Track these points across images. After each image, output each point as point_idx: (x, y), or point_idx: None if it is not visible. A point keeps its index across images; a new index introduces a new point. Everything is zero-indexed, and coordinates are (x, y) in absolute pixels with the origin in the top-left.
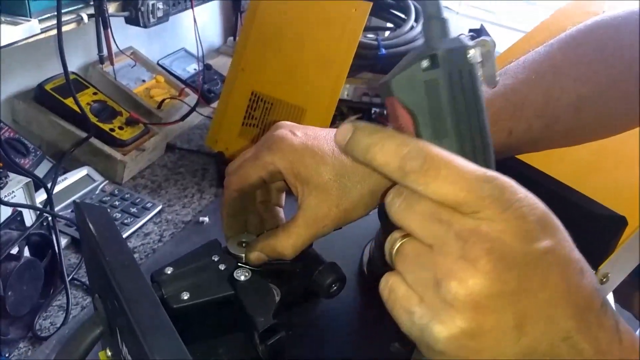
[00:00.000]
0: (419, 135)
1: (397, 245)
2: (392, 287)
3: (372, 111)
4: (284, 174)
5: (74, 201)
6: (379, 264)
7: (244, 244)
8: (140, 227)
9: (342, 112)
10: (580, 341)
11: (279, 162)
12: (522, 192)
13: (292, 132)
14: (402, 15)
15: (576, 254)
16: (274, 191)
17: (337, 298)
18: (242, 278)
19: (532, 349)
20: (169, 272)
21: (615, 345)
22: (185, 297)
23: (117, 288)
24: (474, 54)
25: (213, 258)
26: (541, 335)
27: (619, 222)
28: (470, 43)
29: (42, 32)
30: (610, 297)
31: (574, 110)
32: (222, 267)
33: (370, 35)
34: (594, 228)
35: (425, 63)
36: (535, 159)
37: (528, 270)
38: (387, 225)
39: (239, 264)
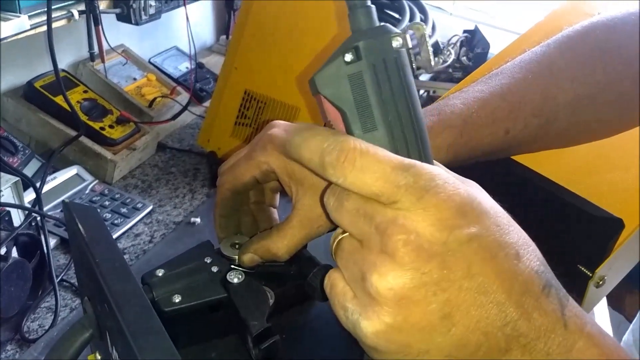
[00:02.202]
0: (349, 130)
1: (336, 241)
2: (332, 283)
3: None
4: (278, 174)
5: (63, 201)
6: None
7: (237, 246)
8: (130, 228)
9: None
10: (519, 327)
11: (272, 162)
12: (442, 179)
13: (287, 131)
14: (397, 15)
15: (511, 238)
16: (268, 191)
17: None
18: (235, 280)
19: (465, 339)
20: (160, 274)
21: (558, 329)
22: (177, 300)
23: (107, 290)
24: (401, 40)
25: (205, 260)
26: (474, 324)
27: (615, 225)
28: (395, 30)
29: (31, 29)
30: (603, 301)
31: (571, 110)
32: (214, 269)
33: None
34: (591, 230)
35: (348, 56)
36: (531, 160)
37: (449, 259)
38: None
39: (232, 266)
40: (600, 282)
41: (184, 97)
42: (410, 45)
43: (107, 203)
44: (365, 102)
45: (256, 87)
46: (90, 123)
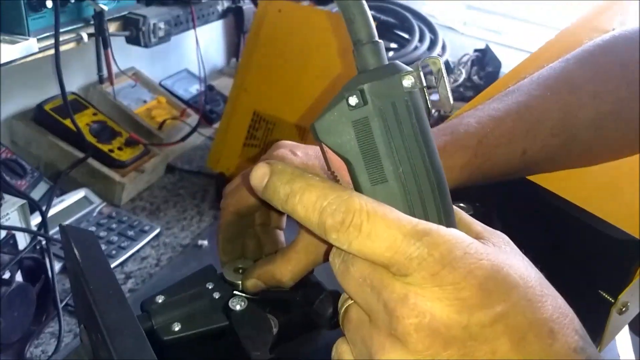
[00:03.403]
0: (355, 182)
1: (344, 308)
2: (340, 357)
3: None
4: None
5: (59, 224)
6: None
7: (240, 270)
8: (137, 251)
9: None
10: None
11: None
12: (461, 249)
13: (293, 151)
14: (406, 36)
15: (544, 312)
16: (274, 213)
17: (340, 329)
18: (238, 307)
19: None
20: (159, 300)
21: None
22: (177, 329)
23: (100, 319)
24: (412, 80)
25: (207, 286)
26: None
27: (638, 247)
28: (406, 68)
29: (40, 52)
30: (625, 328)
31: (593, 128)
32: (216, 295)
33: None
34: (612, 254)
35: (353, 100)
36: (546, 180)
37: (470, 345)
38: None
39: (235, 292)
40: (624, 309)
41: (193, 118)
42: (424, 84)
43: (114, 226)
44: (373, 152)
45: (265, 108)
46: (99, 145)
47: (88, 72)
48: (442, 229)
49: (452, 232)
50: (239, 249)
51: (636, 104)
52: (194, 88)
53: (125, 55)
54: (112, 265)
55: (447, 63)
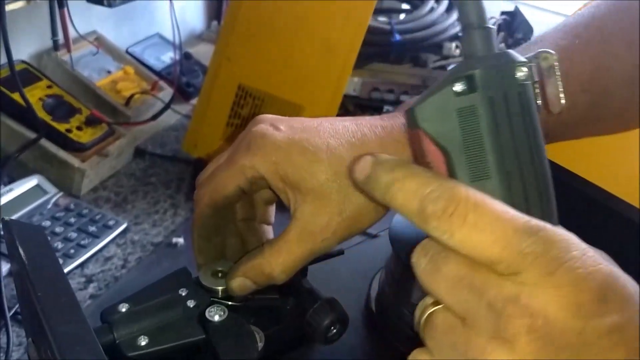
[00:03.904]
0: (453, 176)
1: (426, 315)
2: None
3: (384, 110)
4: (268, 180)
5: (2, 219)
6: (392, 301)
7: (219, 274)
8: (100, 250)
9: (348, 111)
10: None
11: (260, 165)
12: (579, 249)
13: (274, 126)
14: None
15: None
16: (259, 204)
17: (337, 344)
18: (217, 318)
19: None
20: (123, 309)
21: None
22: (143, 343)
23: (49, 332)
24: (526, 72)
25: (180, 292)
26: None
27: None
28: (521, 58)
29: None
30: None
31: (629, 83)
32: (190, 303)
33: (382, 19)
34: (625, 234)
35: (459, 86)
36: (564, 159)
37: (584, 353)
38: (400, 252)
39: (213, 300)
40: None
41: (167, 93)
42: (536, 78)
43: (72, 220)
44: (478, 144)
45: (252, 81)
46: (55, 124)
47: (40, 36)
48: (556, 228)
49: (566, 232)
50: (218, 248)
51: None
52: (168, 56)
53: (85, 17)
54: (71, 267)
55: None
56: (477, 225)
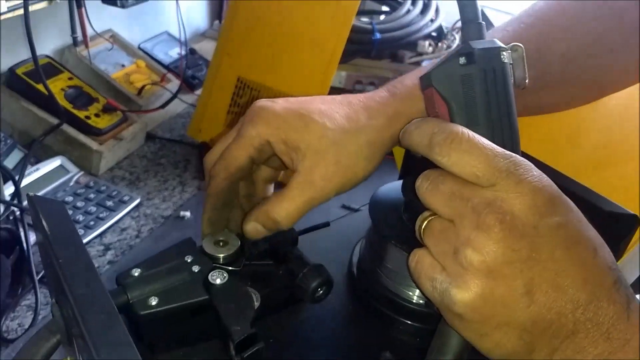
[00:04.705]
0: (453, 122)
1: (425, 222)
2: (418, 259)
3: None
4: (273, 144)
5: (27, 194)
6: (369, 265)
7: (220, 243)
8: (116, 222)
9: None
10: (589, 312)
11: (265, 132)
12: (537, 171)
13: (272, 101)
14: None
15: (590, 233)
16: (259, 182)
17: (323, 303)
18: (218, 281)
19: (540, 316)
20: (136, 274)
21: (622, 321)
22: (154, 303)
23: (70, 294)
24: (507, 55)
25: (186, 259)
26: (550, 303)
27: (630, 221)
28: (504, 45)
29: (9, 11)
30: None
31: (565, 61)
32: (195, 268)
33: (364, 19)
34: (604, 227)
35: (463, 59)
36: (540, 152)
37: (538, 241)
38: (378, 223)
39: (215, 265)
40: None
41: (174, 84)
42: (511, 62)
43: (92, 196)
44: (472, 101)
45: (249, 74)
46: (75, 111)
47: (62, 34)
48: (521, 157)
49: (528, 161)
50: (224, 219)
51: (601, 41)
52: (175, 52)
53: (101, 17)
54: (91, 237)
55: (439, 28)
56: (468, 150)
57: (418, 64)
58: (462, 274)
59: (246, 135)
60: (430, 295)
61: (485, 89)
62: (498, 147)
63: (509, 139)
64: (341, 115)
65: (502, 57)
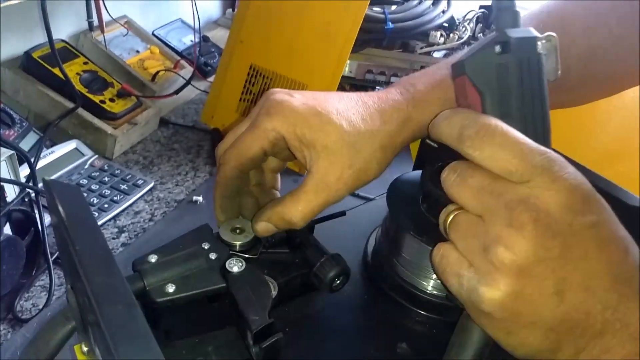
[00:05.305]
0: (485, 113)
1: (451, 217)
2: (443, 253)
3: (376, 90)
4: (288, 140)
5: (43, 178)
6: (385, 254)
7: (237, 231)
8: (130, 205)
9: (344, 89)
10: (617, 313)
11: (281, 127)
12: (572, 168)
13: (290, 94)
14: None
15: (621, 233)
16: (268, 173)
17: (338, 292)
18: (235, 269)
19: (569, 315)
20: (153, 260)
21: None
22: (171, 290)
23: (86, 283)
24: (542, 45)
25: (203, 246)
26: (579, 304)
27: None
28: (539, 35)
29: None
30: None
31: (585, 62)
32: (212, 256)
33: (377, 9)
34: (626, 220)
35: (498, 48)
36: (554, 144)
37: (570, 241)
38: (395, 212)
39: (232, 253)
40: None
41: (187, 71)
42: (545, 52)
43: (106, 179)
44: (507, 91)
45: (262, 61)
46: (90, 96)
47: (78, 19)
48: (556, 154)
49: (563, 158)
50: (236, 207)
51: (624, 39)
52: (188, 39)
53: (116, 3)
54: (105, 219)
55: (451, 19)
56: (502, 144)
57: (429, 54)
58: (491, 272)
59: (262, 127)
60: (456, 292)
61: (519, 79)
62: (532, 142)
63: (541, 133)
64: (357, 117)
65: (538, 46)
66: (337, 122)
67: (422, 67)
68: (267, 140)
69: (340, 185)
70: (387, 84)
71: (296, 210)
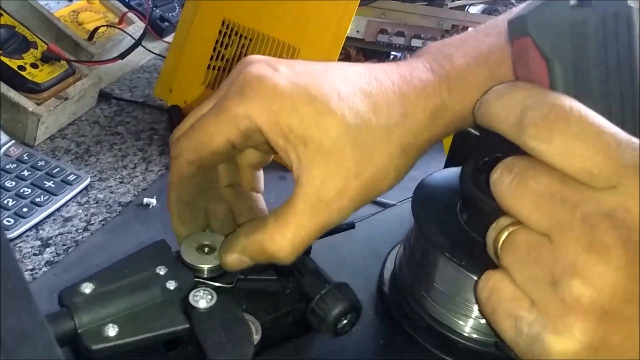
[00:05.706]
0: (554, 90)
1: (505, 235)
2: (494, 286)
3: (391, 56)
4: (266, 133)
5: None
6: (410, 283)
7: (206, 249)
8: (58, 209)
9: (349, 55)
10: None
11: (257, 115)
12: None
13: (272, 67)
14: None
15: None
16: (245, 169)
17: (345, 335)
18: (203, 304)
19: None
20: (87, 290)
21: None
22: (112, 334)
23: None
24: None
25: (158, 270)
26: None
27: None
28: None
29: None
30: None
31: None
32: (170, 285)
33: None
34: None
35: (574, 0)
36: None
37: None
38: (423, 224)
39: (198, 280)
40: None
41: (137, 27)
42: (638, 7)
43: (26, 173)
44: (584, 59)
45: (239, 16)
46: (5, 60)
47: None
48: None
49: None
50: (202, 217)
51: None
52: None
53: None
54: (24, 228)
55: None
56: (579, 134)
57: (463, 8)
58: (563, 314)
59: (230, 111)
60: (511, 340)
61: (603, 43)
62: (621, 131)
63: (631, 119)
64: (366, 103)
65: None
66: (338, 111)
67: (453, 27)
68: (236, 129)
69: (344, 202)
70: (408, 49)
71: (283, 239)
